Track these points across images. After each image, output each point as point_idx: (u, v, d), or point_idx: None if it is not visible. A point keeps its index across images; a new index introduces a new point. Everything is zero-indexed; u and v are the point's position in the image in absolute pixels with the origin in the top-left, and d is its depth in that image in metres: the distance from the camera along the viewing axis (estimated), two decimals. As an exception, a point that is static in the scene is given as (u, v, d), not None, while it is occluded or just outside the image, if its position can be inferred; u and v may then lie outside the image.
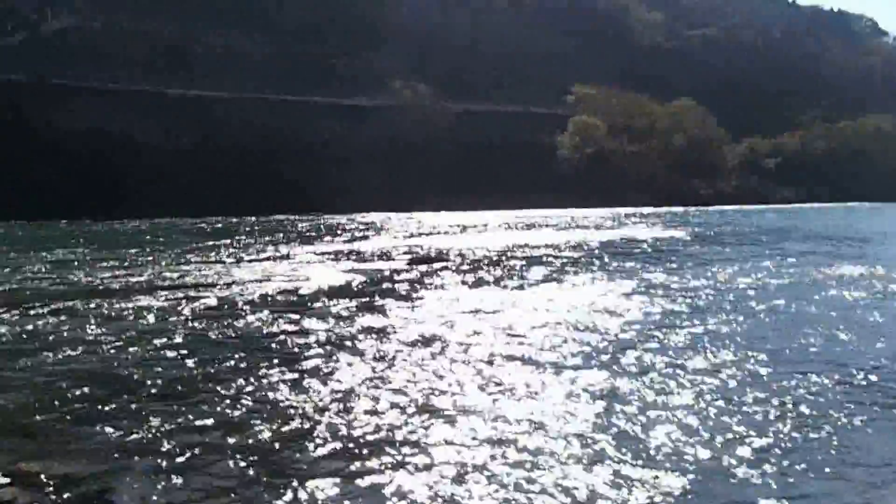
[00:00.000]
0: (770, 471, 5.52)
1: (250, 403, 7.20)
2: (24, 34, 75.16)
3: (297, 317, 11.95)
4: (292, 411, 6.92)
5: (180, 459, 5.75)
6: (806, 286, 15.29)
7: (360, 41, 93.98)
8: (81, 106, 62.21)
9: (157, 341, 10.18)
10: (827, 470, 5.59)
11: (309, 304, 13.53)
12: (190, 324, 11.53)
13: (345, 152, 72.62)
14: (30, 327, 11.31)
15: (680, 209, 73.30)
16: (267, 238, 33.06)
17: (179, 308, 13.03)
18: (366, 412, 6.83)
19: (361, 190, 65.29)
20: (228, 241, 30.89)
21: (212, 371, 8.49)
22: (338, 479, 5.36)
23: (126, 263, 21.29)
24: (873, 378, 8.03)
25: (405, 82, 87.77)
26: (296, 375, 8.16)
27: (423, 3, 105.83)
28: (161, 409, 6.99)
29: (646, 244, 27.73)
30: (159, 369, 8.62)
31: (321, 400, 7.30)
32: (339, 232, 38.10)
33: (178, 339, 10.33)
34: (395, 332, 10.64)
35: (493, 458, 5.74)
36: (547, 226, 42.75)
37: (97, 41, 76.06)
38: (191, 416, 6.81)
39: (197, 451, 5.92)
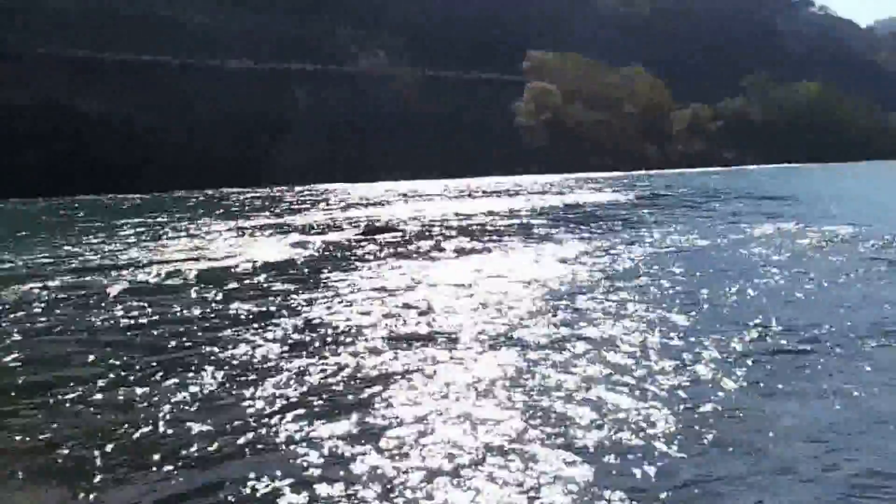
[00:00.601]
0: (689, 444, 5.51)
1: (160, 393, 6.91)
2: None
3: (222, 297, 11.44)
4: (209, 401, 6.66)
5: (82, 464, 5.49)
6: (726, 246, 16.30)
7: (320, 9, 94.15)
8: (28, 75, 59.27)
9: (74, 329, 9.60)
10: (744, 441, 5.58)
11: (240, 281, 12.93)
12: (107, 311, 10.74)
13: (305, 122, 72.29)
14: None
15: (633, 173, 76.78)
16: (211, 212, 31.71)
17: (97, 294, 12.19)
18: (264, 399, 6.64)
19: (322, 160, 65.31)
20: (167, 217, 29.39)
21: (131, 361, 7.99)
22: (263, 471, 5.23)
23: (46, 245, 19.89)
24: (782, 340, 8.30)
25: (364, 50, 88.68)
26: (218, 361, 7.85)
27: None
28: (70, 409, 6.63)
29: (591, 209, 29.08)
30: (74, 360, 8.18)
31: (237, 381, 7.17)
32: (293, 204, 36.91)
33: (94, 328, 9.72)
34: (316, 310, 10.27)
35: (402, 443, 5.62)
36: (503, 193, 43.77)
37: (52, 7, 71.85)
38: (104, 412, 6.51)
39: (111, 451, 5.67)
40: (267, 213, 31.00)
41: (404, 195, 43.55)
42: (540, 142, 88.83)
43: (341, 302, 11.00)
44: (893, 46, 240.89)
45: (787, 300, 10.52)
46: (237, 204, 38.75)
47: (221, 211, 33.39)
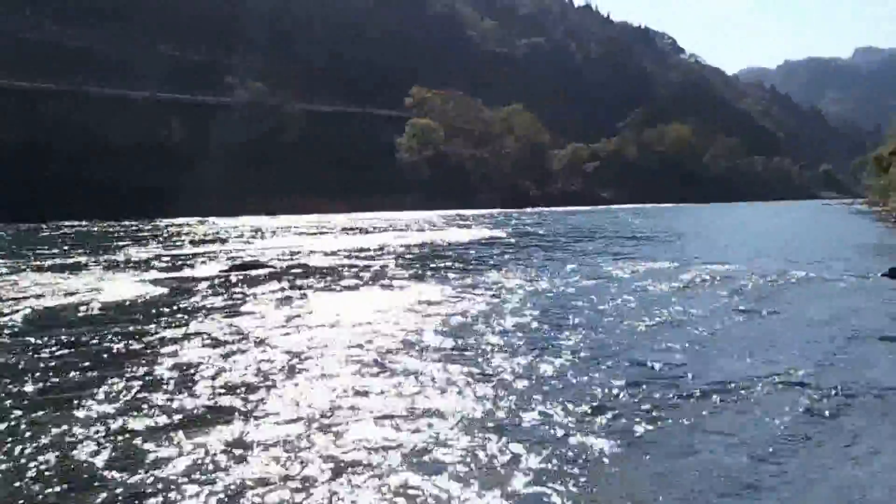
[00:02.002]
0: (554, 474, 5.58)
1: None
2: None
3: (63, 339, 10.67)
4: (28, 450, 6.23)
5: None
6: (586, 285, 16.15)
7: (207, 38, 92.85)
8: None
9: None
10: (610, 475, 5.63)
11: (86, 323, 12.11)
12: None
13: (185, 152, 71.05)
14: None
15: (512, 210, 77.98)
16: (80, 245, 30.25)
17: None
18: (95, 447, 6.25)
19: (202, 192, 63.63)
20: (16, 249, 27.72)
21: None
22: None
23: None
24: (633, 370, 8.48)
25: (250, 82, 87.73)
26: (43, 408, 7.38)
27: (268, 1, 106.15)
28: None
29: (465, 246, 28.97)
30: None
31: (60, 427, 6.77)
32: (166, 237, 35.80)
33: None
34: (164, 352, 9.80)
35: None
36: (382, 229, 43.43)
37: None
38: None
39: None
40: (137, 247, 29.79)
41: (280, 229, 42.88)
42: (422, 177, 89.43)
43: (186, 340, 10.60)
44: (757, 94, 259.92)
45: (638, 340, 10.47)
46: (109, 236, 37.11)
47: (90, 243, 31.97)
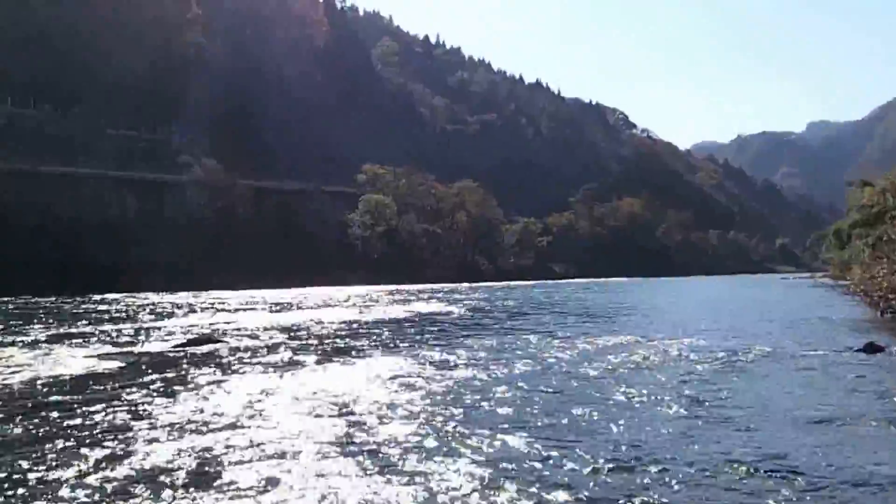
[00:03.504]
0: None
1: None
2: None
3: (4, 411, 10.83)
4: None
5: None
6: (525, 367, 15.30)
7: (160, 116, 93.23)
8: None
9: None
10: None
11: (21, 400, 12.04)
12: None
13: (136, 229, 70.96)
14: None
15: (464, 285, 78.10)
16: (25, 320, 29.93)
17: None
18: None
19: (154, 267, 63.48)
20: None
21: None
22: None
23: None
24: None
25: (201, 158, 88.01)
26: None
27: (219, 80, 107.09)
28: None
29: (418, 321, 29.10)
30: None
31: None
32: (118, 312, 35.64)
33: None
34: (108, 428, 9.80)
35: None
36: (334, 304, 43.47)
37: None
38: None
39: None
40: (85, 321, 29.51)
41: (233, 305, 42.47)
42: (375, 252, 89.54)
43: (134, 418, 10.55)
44: (709, 168, 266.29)
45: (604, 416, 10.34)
46: (56, 311, 36.32)
47: (38, 318, 31.54)
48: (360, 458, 8.31)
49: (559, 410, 10.78)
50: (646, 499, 6.87)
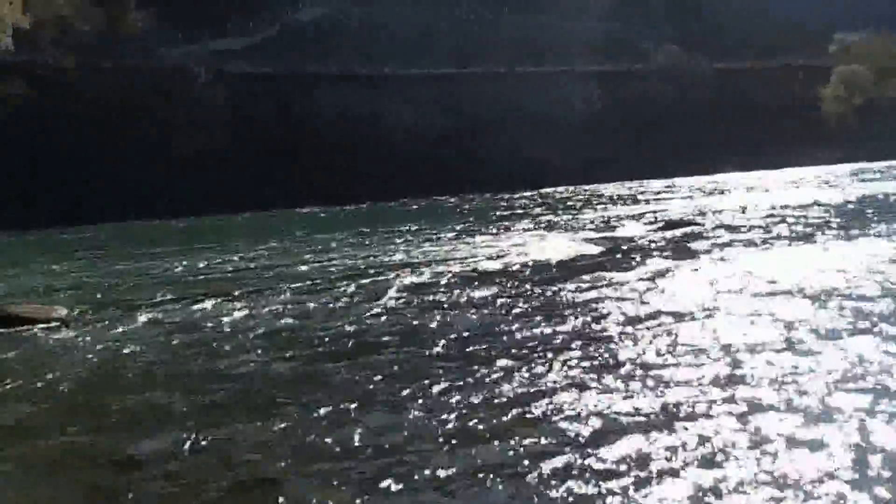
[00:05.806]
0: None
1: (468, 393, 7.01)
2: (277, 26, 77.41)
3: (518, 294, 11.85)
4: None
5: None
6: None
7: (619, 15, 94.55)
8: (343, 93, 66.21)
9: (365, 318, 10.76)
10: None
11: (531, 278, 13.25)
12: (398, 300, 11.96)
13: (599, 120, 74.36)
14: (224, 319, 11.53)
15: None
16: (496, 214, 32.17)
17: (386, 286, 13.46)
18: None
19: (610, 159, 66.35)
20: (444, 222, 29.59)
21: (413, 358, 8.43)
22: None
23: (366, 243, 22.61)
24: None
25: (666, 43, 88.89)
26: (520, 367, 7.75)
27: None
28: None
29: None
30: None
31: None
32: (575, 204, 36.53)
33: (382, 320, 10.67)
34: (621, 301, 10.49)
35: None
36: (805, 183, 41.68)
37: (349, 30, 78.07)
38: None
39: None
40: (549, 212, 31.53)
41: (701, 190, 42.91)
42: (851, 128, 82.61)
43: (649, 291, 11.38)
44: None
45: None
46: (515, 206, 39.18)
47: (505, 213, 33.92)
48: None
49: None
50: None
